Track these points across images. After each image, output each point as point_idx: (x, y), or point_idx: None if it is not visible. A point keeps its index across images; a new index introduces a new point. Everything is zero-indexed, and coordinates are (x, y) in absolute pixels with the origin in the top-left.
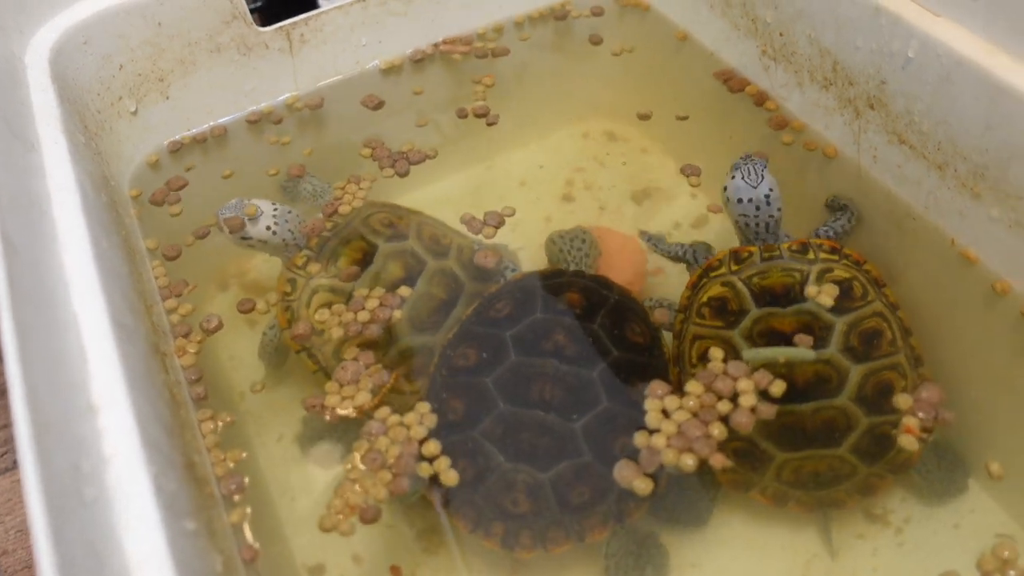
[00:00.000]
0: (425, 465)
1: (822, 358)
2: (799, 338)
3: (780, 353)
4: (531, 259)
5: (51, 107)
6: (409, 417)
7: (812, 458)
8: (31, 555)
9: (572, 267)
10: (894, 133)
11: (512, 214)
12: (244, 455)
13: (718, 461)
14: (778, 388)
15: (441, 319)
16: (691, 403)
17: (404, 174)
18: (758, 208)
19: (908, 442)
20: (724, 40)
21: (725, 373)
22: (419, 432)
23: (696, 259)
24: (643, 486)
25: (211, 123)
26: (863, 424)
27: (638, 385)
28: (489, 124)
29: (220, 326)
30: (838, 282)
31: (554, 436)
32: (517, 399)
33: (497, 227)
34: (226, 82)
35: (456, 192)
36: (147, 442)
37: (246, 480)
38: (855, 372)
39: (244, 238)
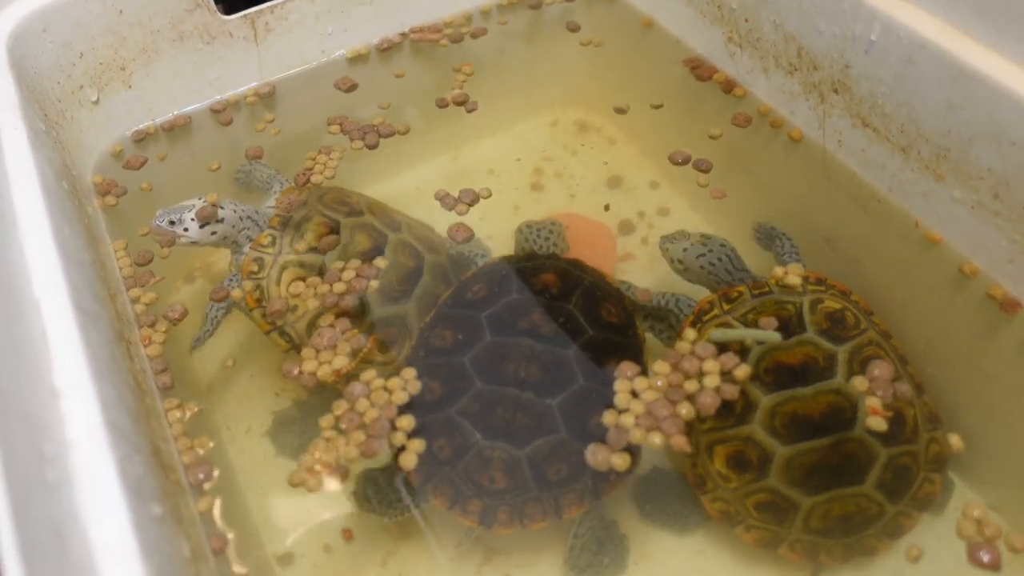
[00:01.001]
0: (399, 435)
1: (831, 387)
2: (764, 321)
3: (747, 335)
4: (500, 248)
5: (9, 94)
6: (393, 382)
7: (838, 499)
8: None
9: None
10: (858, 116)
11: (488, 196)
12: (212, 444)
13: (679, 443)
14: (742, 372)
15: (410, 288)
16: (659, 383)
17: (373, 146)
18: (719, 257)
19: (877, 423)
20: (690, 27)
21: (692, 353)
22: (401, 397)
23: (680, 308)
24: (620, 462)
25: (175, 112)
26: (882, 456)
27: (613, 364)
28: (469, 111)
29: (185, 314)
30: (830, 312)
31: (531, 413)
32: (494, 378)
33: (470, 205)
34: (190, 71)
35: (424, 179)
36: (111, 427)
37: (214, 470)
38: (864, 402)
39: (186, 239)
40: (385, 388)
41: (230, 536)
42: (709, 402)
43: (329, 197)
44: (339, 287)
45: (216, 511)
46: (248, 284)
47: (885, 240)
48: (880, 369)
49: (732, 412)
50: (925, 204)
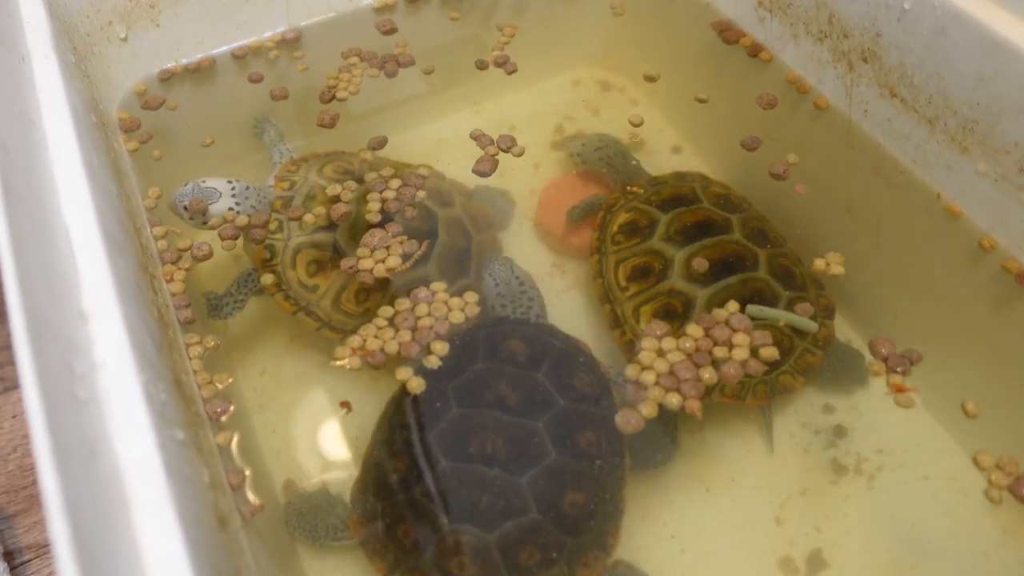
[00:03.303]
0: (432, 357)
1: (732, 239)
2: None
3: (783, 316)
4: (518, 204)
5: (40, 22)
6: (455, 300)
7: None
8: None
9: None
10: (886, 87)
11: (521, 154)
12: (230, 380)
13: (694, 407)
14: (769, 353)
15: (428, 251)
16: (687, 345)
17: (392, 75)
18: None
19: (907, 400)
20: None
21: (727, 323)
22: (458, 317)
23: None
24: (648, 410)
25: (201, 54)
26: (784, 297)
27: (587, 436)
28: (509, 73)
29: (211, 254)
30: (719, 193)
31: (498, 493)
32: (460, 455)
33: (507, 150)
34: (218, 13)
35: (445, 132)
36: (137, 352)
37: (231, 405)
38: (762, 254)
39: (206, 222)
40: (447, 303)
41: (247, 472)
42: (732, 373)
43: (330, 168)
44: (366, 263)
45: (234, 446)
46: (267, 277)
47: (906, 212)
48: (886, 347)
49: (651, 274)
50: (948, 177)
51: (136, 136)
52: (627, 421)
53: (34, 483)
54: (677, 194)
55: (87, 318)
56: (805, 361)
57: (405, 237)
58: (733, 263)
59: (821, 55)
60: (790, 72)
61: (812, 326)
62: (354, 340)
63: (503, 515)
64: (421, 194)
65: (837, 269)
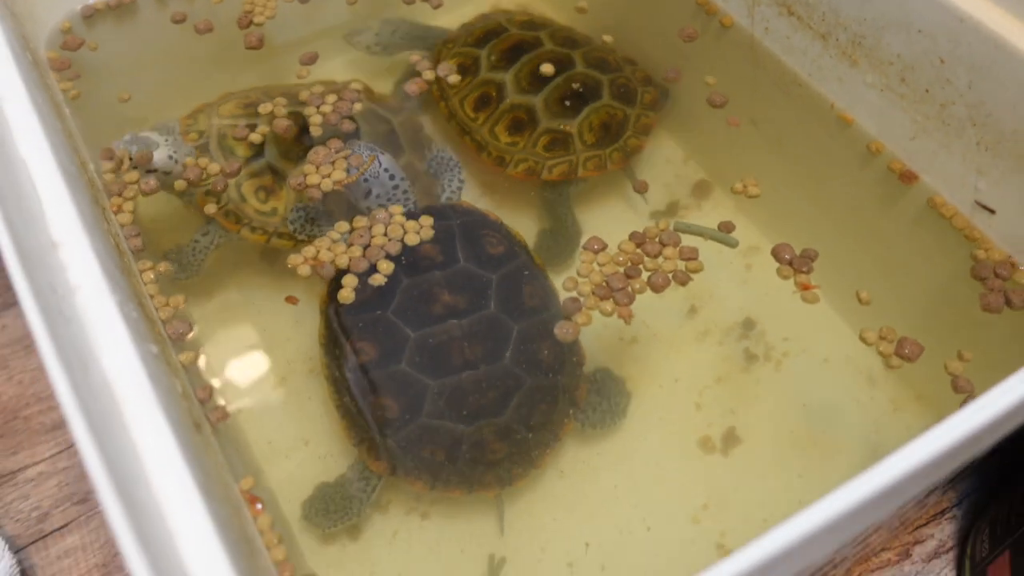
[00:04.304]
0: (378, 276)
1: (547, 49)
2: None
3: (706, 232)
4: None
5: None
6: (411, 223)
7: (595, 112)
8: None
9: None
10: (784, 5)
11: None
12: (184, 301)
13: (625, 313)
14: (695, 267)
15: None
16: (620, 258)
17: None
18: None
19: (812, 296)
20: None
21: (657, 239)
22: (412, 239)
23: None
24: (583, 319)
25: None
26: (606, 80)
27: (528, 292)
28: (435, 7)
29: (157, 189)
30: (523, 20)
31: (489, 381)
32: (433, 362)
33: (445, 76)
34: None
35: (374, 63)
36: (107, 275)
37: (193, 326)
38: (575, 53)
39: (149, 171)
40: (403, 226)
41: (214, 384)
42: (661, 283)
43: (227, 107)
44: (313, 178)
45: (197, 363)
46: (218, 215)
47: (804, 122)
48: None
49: (491, 100)
50: (840, 88)
51: (66, 75)
52: (564, 332)
53: None
54: (487, 29)
55: (57, 246)
56: (642, 123)
57: (349, 152)
58: (555, 68)
59: None
60: None
61: (734, 241)
62: (308, 250)
63: (503, 397)
64: (357, 106)
65: (754, 191)
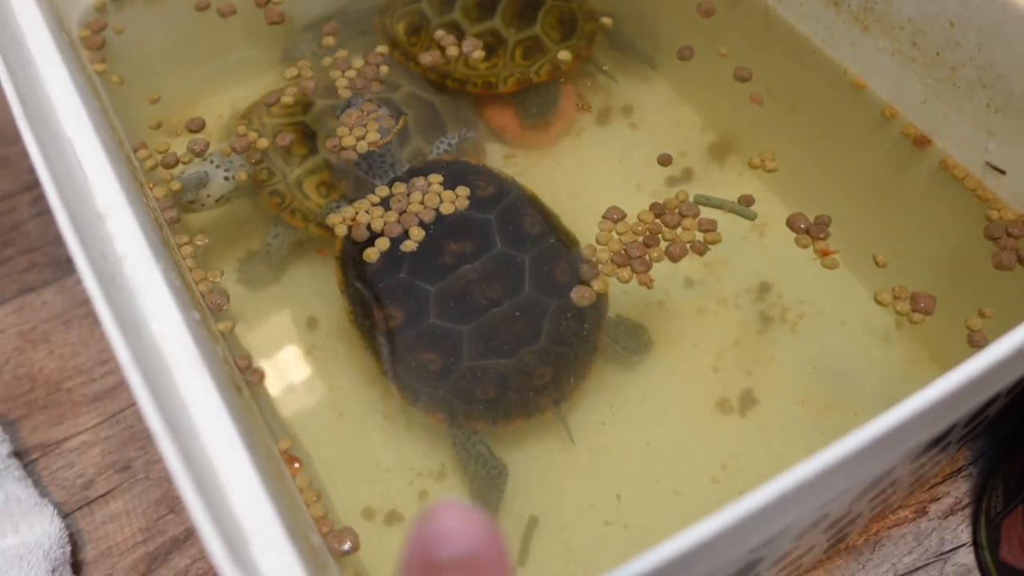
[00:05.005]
0: (409, 242)
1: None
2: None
3: (725, 204)
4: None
5: None
6: (447, 193)
7: (551, 13)
8: None
9: None
10: None
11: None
12: (222, 274)
13: (645, 280)
14: (713, 238)
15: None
16: (639, 228)
17: None
18: None
19: (831, 263)
20: None
21: (677, 210)
22: (448, 208)
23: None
24: (599, 285)
25: None
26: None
27: (528, 223)
28: None
29: (177, 162)
30: None
31: (513, 314)
32: (471, 317)
33: (469, 53)
34: None
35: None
36: (151, 244)
37: (229, 297)
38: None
39: (218, 200)
40: (440, 195)
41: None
42: (678, 252)
43: (278, 109)
44: (348, 140)
45: (237, 333)
46: (284, 215)
47: (817, 88)
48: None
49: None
50: (853, 53)
51: (98, 55)
52: (581, 295)
53: (31, 390)
54: None
55: (104, 217)
56: (586, 9)
57: (379, 113)
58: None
59: None
60: None
61: (752, 214)
62: (348, 211)
63: (534, 324)
64: (384, 69)
65: (771, 165)
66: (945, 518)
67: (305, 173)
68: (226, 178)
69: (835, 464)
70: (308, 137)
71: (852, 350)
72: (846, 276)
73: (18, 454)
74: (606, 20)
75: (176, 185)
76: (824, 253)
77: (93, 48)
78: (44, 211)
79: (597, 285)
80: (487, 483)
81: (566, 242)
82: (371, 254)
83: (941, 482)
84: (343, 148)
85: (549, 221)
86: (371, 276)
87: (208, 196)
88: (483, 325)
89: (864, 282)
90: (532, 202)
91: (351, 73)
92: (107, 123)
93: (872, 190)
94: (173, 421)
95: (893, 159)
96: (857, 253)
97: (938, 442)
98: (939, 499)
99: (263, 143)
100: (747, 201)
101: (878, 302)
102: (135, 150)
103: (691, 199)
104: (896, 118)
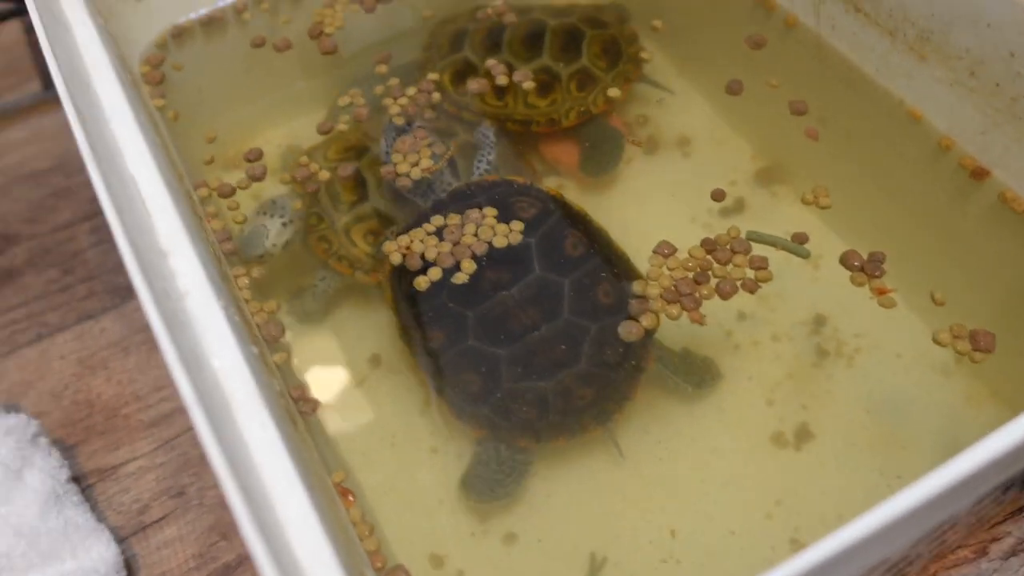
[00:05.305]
0: (461, 275)
1: (552, 26)
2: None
3: (778, 242)
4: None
5: None
6: (501, 226)
7: (593, 44)
8: None
9: None
10: (850, 2)
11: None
12: (277, 306)
13: (695, 317)
14: (764, 276)
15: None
16: (690, 264)
17: (371, 10)
18: None
19: (888, 301)
20: None
21: (728, 246)
22: (501, 241)
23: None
24: (648, 321)
25: (211, 8)
26: (573, 20)
27: (570, 243)
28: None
29: (233, 191)
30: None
31: (560, 339)
32: (508, 342)
33: (520, 82)
34: None
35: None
36: (212, 281)
37: (285, 328)
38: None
39: (283, 247)
40: (493, 228)
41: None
42: (728, 290)
43: (332, 151)
44: (403, 167)
45: (292, 364)
46: (332, 260)
47: (872, 118)
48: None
49: (506, 91)
50: (909, 84)
51: (158, 91)
52: (629, 331)
53: (89, 416)
54: (449, 36)
55: (166, 255)
56: (627, 34)
57: (431, 140)
58: (532, 30)
59: None
60: None
61: (805, 252)
62: (403, 239)
63: (574, 347)
64: (436, 95)
65: (824, 202)
66: (1007, 559)
67: (353, 220)
68: (283, 224)
69: (901, 515)
70: (359, 184)
71: (909, 385)
72: (902, 308)
73: (76, 479)
74: (646, 54)
75: (233, 246)
76: (880, 292)
77: (153, 83)
78: (103, 240)
79: (646, 321)
80: (487, 483)
81: (614, 260)
82: (422, 283)
83: (1002, 521)
84: (398, 175)
85: (596, 240)
86: (417, 297)
87: (275, 246)
88: (520, 349)
89: (922, 317)
90: (578, 221)
91: (403, 100)
92: (167, 158)
93: (928, 223)
94: (233, 457)
95: (950, 191)
96: (914, 289)
97: (1005, 486)
98: (1000, 539)
99: (324, 175)
100: (800, 239)
101: (937, 342)
102: (195, 187)
103: (743, 235)
104: (953, 149)
